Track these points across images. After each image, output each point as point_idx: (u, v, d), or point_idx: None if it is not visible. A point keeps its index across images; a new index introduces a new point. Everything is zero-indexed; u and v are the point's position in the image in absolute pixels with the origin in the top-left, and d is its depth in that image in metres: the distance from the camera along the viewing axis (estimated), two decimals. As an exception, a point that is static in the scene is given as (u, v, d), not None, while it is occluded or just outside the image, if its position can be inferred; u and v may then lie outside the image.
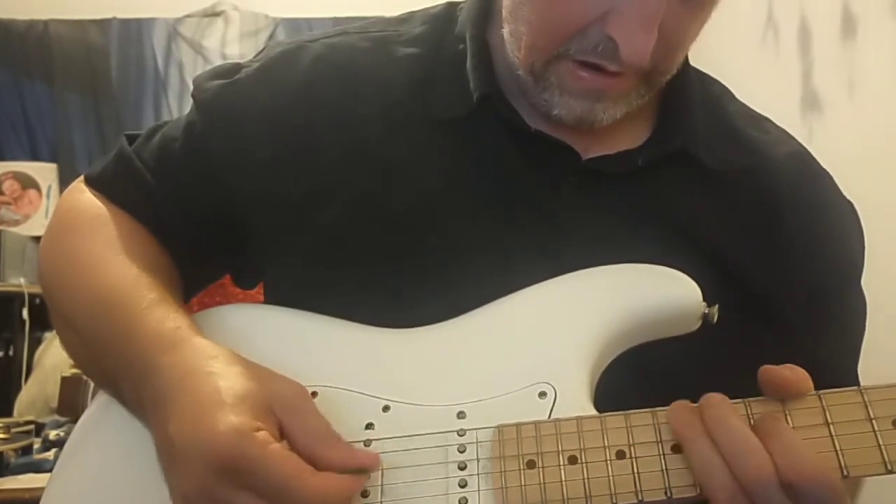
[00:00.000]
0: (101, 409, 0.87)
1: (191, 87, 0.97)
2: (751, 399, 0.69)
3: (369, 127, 0.88)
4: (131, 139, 0.97)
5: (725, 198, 0.88)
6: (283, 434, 0.69)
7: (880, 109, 2.05)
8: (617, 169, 0.87)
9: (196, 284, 0.98)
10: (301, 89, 0.90)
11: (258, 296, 0.99)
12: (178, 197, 0.92)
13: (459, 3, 0.97)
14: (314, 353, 0.80)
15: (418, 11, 0.98)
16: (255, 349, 0.77)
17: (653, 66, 0.81)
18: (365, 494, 0.71)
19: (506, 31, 0.85)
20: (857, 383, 0.90)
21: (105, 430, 0.85)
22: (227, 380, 0.70)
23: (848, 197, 0.96)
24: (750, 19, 2.73)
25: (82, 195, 0.95)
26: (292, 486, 0.65)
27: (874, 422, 0.66)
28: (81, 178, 0.98)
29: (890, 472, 0.65)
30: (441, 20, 0.95)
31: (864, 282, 0.94)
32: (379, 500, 0.71)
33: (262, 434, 0.66)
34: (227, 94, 0.93)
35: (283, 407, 0.70)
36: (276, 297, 0.89)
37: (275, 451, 0.66)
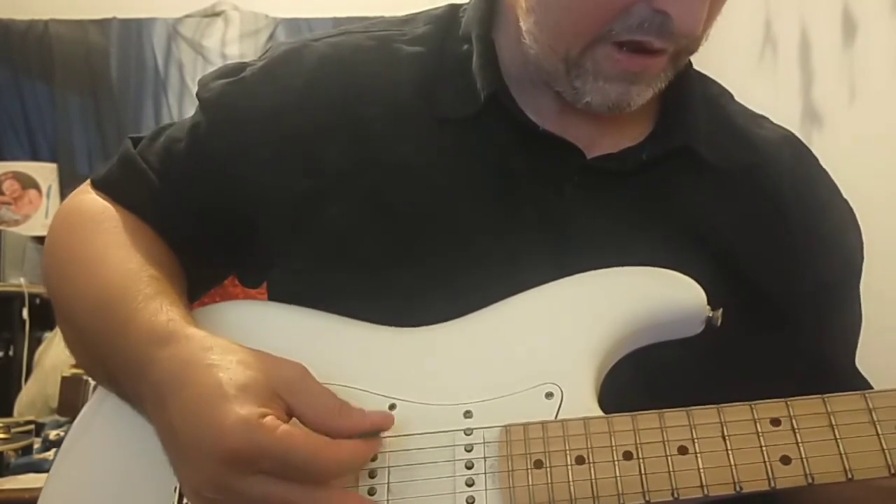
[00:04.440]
0: (96, 406, 0.87)
1: (191, 87, 0.98)
2: (756, 402, 0.70)
3: (375, 126, 0.88)
4: (136, 142, 0.97)
5: (728, 194, 0.89)
6: (292, 415, 0.70)
7: (881, 113, 2.06)
8: (621, 167, 0.87)
9: (201, 285, 0.98)
10: (306, 87, 0.90)
11: (259, 296, 0.99)
12: (184, 197, 0.92)
13: (462, 5, 0.97)
14: (319, 351, 0.80)
15: (421, 13, 0.98)
16: (258, 346, 0.77)
17: (683, 46, 0.82)
18: (372, 492, 0.71)
19: (529, 22, 0.84)
20: (860, 380, 0.91)
21: (101, 426, 0.86)
22: (228, 371, 0.70)
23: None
24: (748, 36, 2.73)
25: (86, 196, 0.95)
26: (309, 460, 0.66)
27: (878, 425, 0.67)
28: (87, 181, 0.98)
29: (893, 475, 0.66)
30: (444, 21, 0.96)
31: (865, 292, 0.95)
32: (386, 498, 0.71)
33: (269, 419, 0.67)
34: (231, 92, 0.93)
35: (289, 389, 0.70)
36: (281, 295, 0.90)
37: (284, 431, 0.66)
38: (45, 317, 3.44)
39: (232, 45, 4.29)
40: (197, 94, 0.96)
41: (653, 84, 0.84)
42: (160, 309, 0.78)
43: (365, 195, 0.86)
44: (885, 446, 0.66)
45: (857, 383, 0.92)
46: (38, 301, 3.45)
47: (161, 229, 0.92)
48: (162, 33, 4.33)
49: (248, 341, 0.77)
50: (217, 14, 4.36)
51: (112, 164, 0.97)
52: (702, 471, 0.67)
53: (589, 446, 0.69)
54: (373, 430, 0.71)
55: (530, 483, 0.69)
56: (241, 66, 0.96)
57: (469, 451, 0.72)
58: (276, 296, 0.92)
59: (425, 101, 0.89)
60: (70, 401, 2.78)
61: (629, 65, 0.81)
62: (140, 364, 0.76)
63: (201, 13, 4.36)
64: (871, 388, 0.88)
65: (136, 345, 0.76)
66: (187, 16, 4.35)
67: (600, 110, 0.84)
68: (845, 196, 0.97)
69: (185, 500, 0.75)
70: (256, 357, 0.73)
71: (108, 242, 0.88)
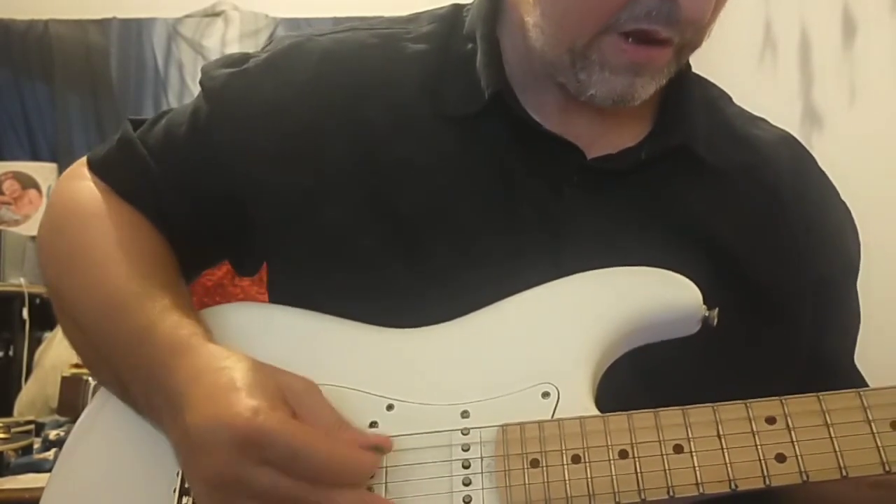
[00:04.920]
0: (98, 408, 0.87)
1: (191, 86, 0.98)
2: (751, 400, 0.70)
3: (377, 124, 0.88)
4: (136, 124, 0.97)
5: (727, 194, 0.89)
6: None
7: (881, 114, 2.06)
8: (621, 166, 0.87)
9: (194, 270, 0.99)
10: (309, 82, 0.90)
11: (258, 296, 1.00)
12: (181, 183, 0.92)
13: (466, 5, 0.97)
14: (318, 352, 0.81)
15: (424, 12, 0.98)
16: (259, 347, 0.78)
17: (688, 39, 0.82)
18: (370, 491, 0.71)
19: (535, 15, 0.84)
20: (858, 377, 0.91)
21: (103, 429, 0.86)
22: (240, 372, 0.72)
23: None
24: (748, 38, 2.73)
25: (81, 183, 0.95)
26: (314, 453, 0.66)
27: (873, 424, 0.68)
28: (82, 161, 0.98)
29: (888, 472, 0.67)
30: (448, 20, 0.96)
31: (863, 292, 0.95)
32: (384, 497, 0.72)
33: (278, 413, 0.68)
34: (234, 82, 0.93)
35: (295, 397, 0.71)
36: (282, 294, 0.90)
37: (293, 423, 0.68)
38: (45, 317, 3.45)
39: (232, 45, 4.29)
40: (200, 82, 0.96)
41: (657, 78, 0.84)
42: (180, 322, 0.79)
43: (365, 194, 0.87)
44: (879, 444, 0.67)
45: (855, 380, 0.92)
46: (38, 301, 3.45)
47: (156, 217, 0.92)
48: (162, 33, 4.34)
49: (248, 343, 0.78)
50: (217, 14, 4.36)
51: (110, 145, 0.97)
52: (697, 469, 0.68)
53: (585, 445, 0.70)
54: (370, 448, 0.71)
55: (526, 482, 0.69)
56: (245, 57, 0.96)
57: (466, 450, 0.72)
58: (277, 294, 0.92)
59: (428, 99, 0.89)
60: (70, 401, 2.79)
61: (635, 55, 0.81)
62: (156, 374, 0.76)
63: (201, 13, 4.37)
64: (868, 385, 0.89)
65: (154, 355, 0.77)
66: (187, 16, 4.36)
67: (604, 104, 0.84)
68: (845, 196, 0.97)
69: (185, 499, 0.76)
70: (268, 367, 0.74)
71: (110, 239, 0.88)
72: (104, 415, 0.86)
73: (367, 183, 0.87)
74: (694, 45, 0.84)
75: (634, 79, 0.82)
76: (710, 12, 0.79)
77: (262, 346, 0.79)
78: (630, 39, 0.80)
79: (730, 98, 0.98)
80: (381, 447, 0.72)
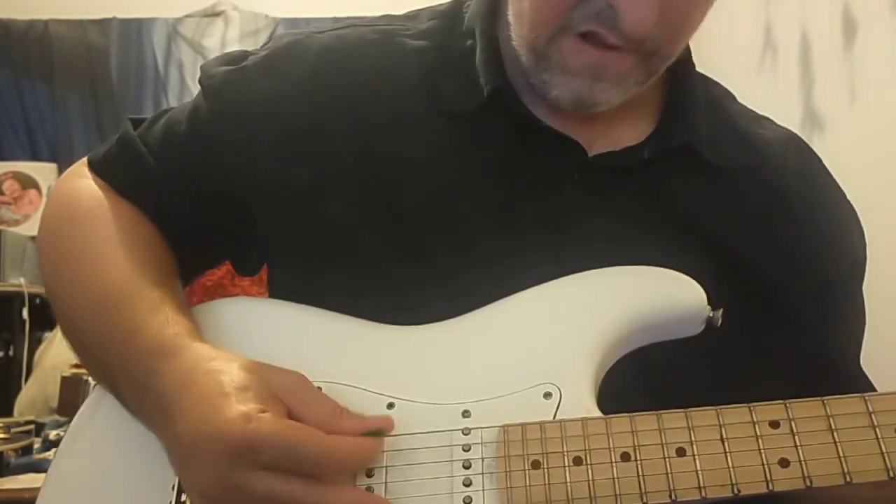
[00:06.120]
0: (94, 405, 0.87)
1: (191, 86, 0.98)
2: (755, 404, 0.70)
3: (377, 122, 0.88)
4: (136, 123, 0.97)
5: (730, 194, 0.89)
6: (291, 418, 0.70)
7: (882, 115, 2.05)
8: (622, 164, 0.87)
9: (195, 270, 0.99)
10: (308, 79, 0.90)
11: (258, 296, 0.99)
12: (181, 182, 0.91)
13: (465, 2, 0.97)
14: (318, 349, 0.80)
15: (424, 9, 0.98)
16: (256, 343, 0.78)
17: (654, 50, 0.81)
18: (369, 491, 0.71)
19: (510, 13, 0.85)
20: (863, 380, 0.91)
21: (99, 425, 0.86)
22: (228, 374, 0.71)
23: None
24: (748, 41, 2.73)
25: (81, 181, 0.95)
26: (308, 449, 0.66)
27: (877, 429, 0.67)
28: (83, 160, 0.98)
29: (892, 478, 0.66)
30: (448, 17, 0.96)
31: (867, 293, 0.95)
32: (383, 497, 0.71)
33: (268, 415, 0.67)
34: (233, 80, 0.93)
35: (287, 393, 0.71)
36: (282, 289, 0.90)
37: (286, 423, 0.67)
38: (45, 317, 3.45)
39: (232, 45, 4.29)
40: (199, 80, 0.96)
41: (620, 84, 0.83)
42: (167, 321, 0.78)
43: (365, 191, 0.86)
44: (884, 450, 0.66)
45: (860, 383, 0.92)
46: (38, 301, 3.46)
47: (156, 216, 0.92)
48: (162, 33, 4.34)
49: (246, 339, 0.78)
50: (217, 14, 4.37)
51: (110, 144, 0.96)
52: (700, 472, 0.67)
53: (587, 447, 0.69)
54: (372, 431, 0.71)
55: (527, 484, 0.69)
56: (244, 55, 0.96)
57: (467, 450, 0.72)
58: (277, 290, 0.92)
59: (428, 96, 0.89)
60: (70, 401, 2.79)
61: (591, 57, 0.80)
62: (144, 375, 0.76)
63: (201, 13, 4.37)
64: (874, 388, 0.88)
65: (141, 356, 0.77)
66: (187, 16, 4.36)
67: (566, 106, 0.83)
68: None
69: (183, 496, 0.75)
70: (256, 365, 0.74)
71: (107, 239, 0.88)
72: (101, 411, 0.86)
73: (367, 179, 0.86)
74: (662, 55, 0.83)
75: (593, 83, 0.81)
76: (646, 27, 0.77)
77: (259, 342, 0.78)
78: (588, 42, 0.80)
79: (733, 97, 0.98)
80: (382, 430, 0.72)
